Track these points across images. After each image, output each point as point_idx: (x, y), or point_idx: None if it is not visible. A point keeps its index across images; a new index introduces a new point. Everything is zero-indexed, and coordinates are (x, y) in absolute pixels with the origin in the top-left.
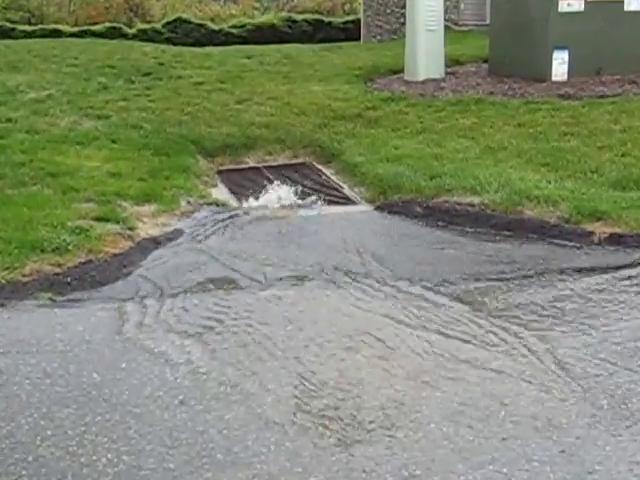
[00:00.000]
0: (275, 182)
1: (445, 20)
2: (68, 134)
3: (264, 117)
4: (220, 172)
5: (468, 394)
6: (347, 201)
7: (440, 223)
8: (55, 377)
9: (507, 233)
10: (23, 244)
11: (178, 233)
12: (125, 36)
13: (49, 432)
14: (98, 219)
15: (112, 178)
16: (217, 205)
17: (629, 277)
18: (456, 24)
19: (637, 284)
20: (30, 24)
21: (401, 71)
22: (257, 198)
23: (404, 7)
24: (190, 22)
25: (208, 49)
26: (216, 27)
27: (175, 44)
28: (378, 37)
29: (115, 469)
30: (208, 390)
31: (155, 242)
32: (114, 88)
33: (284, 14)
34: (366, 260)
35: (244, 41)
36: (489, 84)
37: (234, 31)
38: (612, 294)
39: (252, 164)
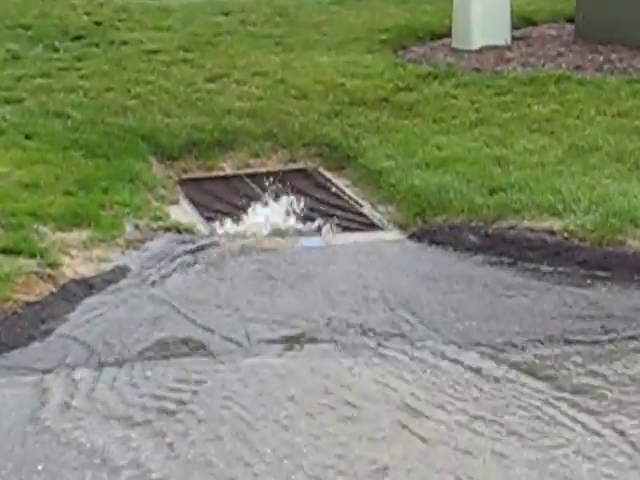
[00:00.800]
0: (263, 198)
1: None
2: None
3: (248, 102)
4: (183, 183)
5: None
6: (368, 226)
7: (504, 259)
8: None
9: (602, 274)
10: None
11: (121, 272)
12: None
13: None
14: (4, 251)
15: (25, 191)
16: (179, 231)
17: None
18: None
19: None
20: None
21: (448, 35)
22: (237, 221)
23: None
24: None
25: (166, 1)
26: None
27: None
28: None
29: None
30: None
31: (87, 286)
32: (29, 58)
33: None
34: (397, 313)
35: None
36: (576, 54)
37: None
38: None
39: (230, 171)
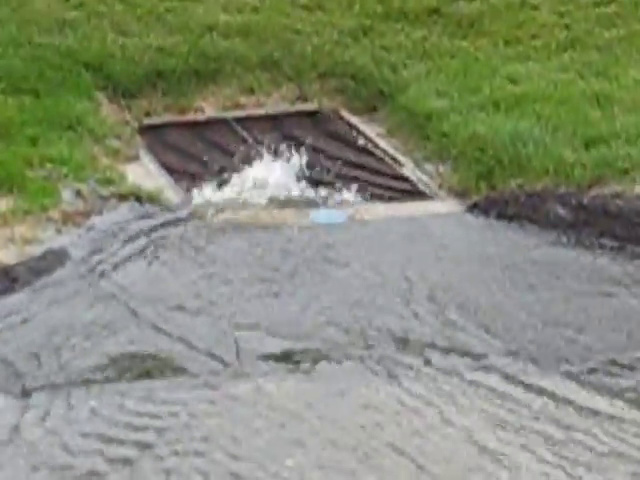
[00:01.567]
0: (259, 152)
1: None
2: None
3: (237, 15)
4: (145, 130)
5: None
6: (410, 193)
7: (606, 241)
8: None
9: None
10: None
11: (56, 259)
12: None
13: None
14: None
15: None
16: (139, 200)
17: None
18: None
19: None
20: None
21: None
22: (222, 186)
23: None
24: None
25: None
26: None
27: None
28: None
29: None
30: None
31: (8, 277)
32: None
33: None
34: (450, 319)
35: None
36: None
37: None
38: None
39: (212, 114)
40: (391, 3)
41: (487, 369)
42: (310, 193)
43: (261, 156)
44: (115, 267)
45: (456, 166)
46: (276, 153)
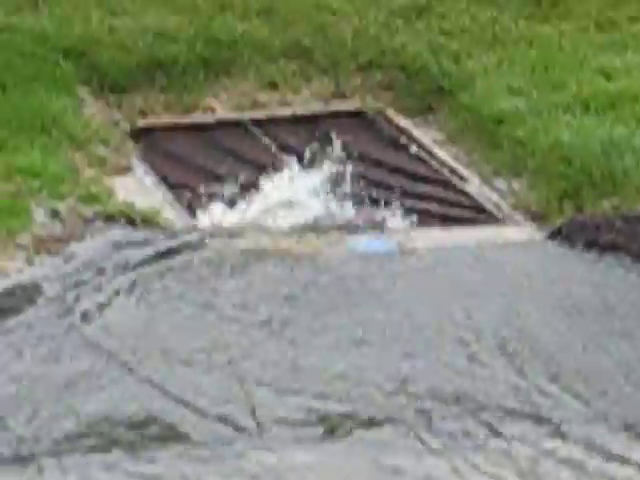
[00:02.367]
0: (283, 161)
1: None
2: None
3: None
4: (140, 134)
5: None
6: (477, 215)
7: None
8: None
9: None
10: None
11: (26, 295)
12: None
13: None
14: None
15: None
16: (130, 222)
17: None
18: None
19: None
20: None
21: None
22: (235, 204)
23: None
24: None
25: None
26: None
27: None
28: None
29: None
30: None
31: None
32: None
33: None
34: (526, 378)
35: None
36: None
37: None
38: None
39: (224, 114)
40: None
41: (569, 439)
42: (348, 215)
43: (286, 168)
44: (100, 307)
45: (534, 182)
46: (305, 164)
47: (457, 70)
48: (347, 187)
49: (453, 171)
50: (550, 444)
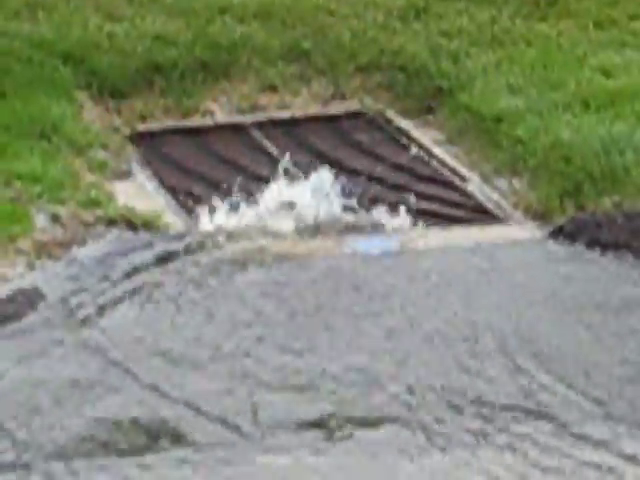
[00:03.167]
0: (284, 164)
1: None
2: None
3: None
4: (140, 139)
5: None
6: (477, 215)
7: None
8: None
9: None
10: None
11: (27, 301)
12: None
13: None
14: None
15: None
16: (131, 226)
17: None
18: None
19: None
20: None
21: None
22: (236, 207)
23: None
24: None
25: None
26: None
27: None
28: None
29: None
30: None
31: None
32: None
33: None
34: (529, 375)
35: None
36: None
37: None
38: None
39: (223, 118)
40: None
41: (576, 437)
42: (349, 216)
43: (286, 170)
44: (101, 311)
45: (534, 181)
46: (305, 167)
47: (456, 70)
48: (347, 188)
49: (453, 171)
50: (556, 442)
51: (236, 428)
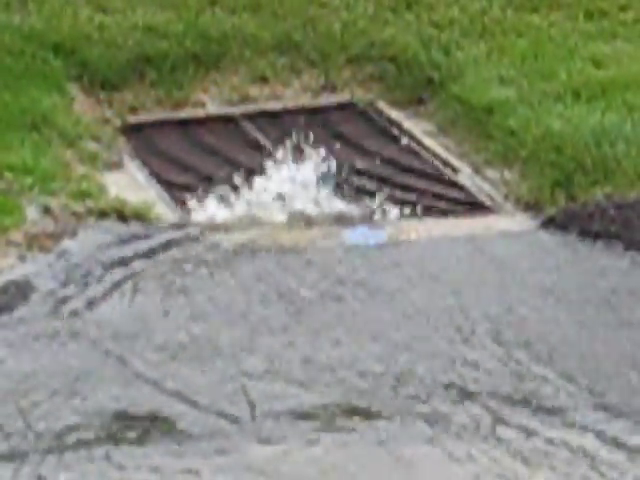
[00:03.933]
0: (275, 155)
1: None
2: None
3: None
4: (131, 130)
5: None
6: (468, 206)
7: None
8: None
9: None
10: None
11: (19, 293)
12: None
13: None
14: None
15: None
16: (122, 217)
17: None
18: None
19: None
20: None
21: None
22: (228, 199)
23: None
24: None
25: None
26: None
27: None
28: None
29: None
30: None
31: None
32: None
33: None
34: (521, 363)
35: None
36: None
37: None
38: None
39: (214, 109)
40: None
41: (570, 426)
42: (341, 207)
43: (278, 162)
44: (92, 303)
45: (526, 172)
46: (296, 158)
47: (447, 61)
48: (339, 179)
49: (444, 162)
50: (553, 433)
51: (230, 418)
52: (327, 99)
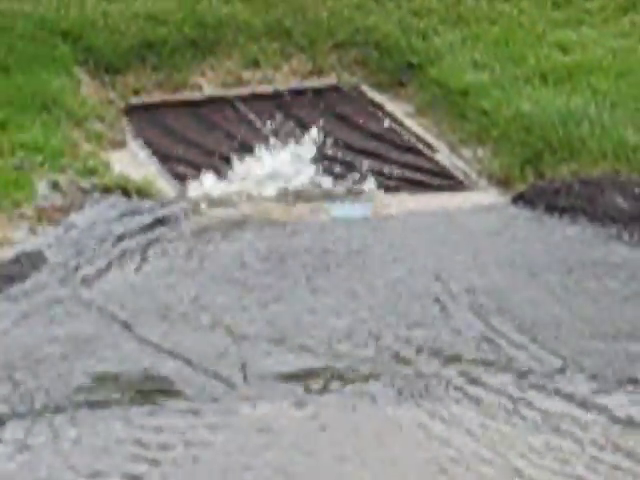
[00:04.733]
0: (266, 135)
1: None
2: None
3: None
4: (133, 111)
5: None
6: (445, 182)
7: None
8: None
9: None
10: None
11: (30, 263)
12: None
13: None
14: None
15: None
16: (126, 193)
17: None
18: None
19: None
20: None
21: None
22: (223, 176)
23: None
24: None
25: None
26: None
27: None
28: None
29: None
30: None
31: None
32: None
33: None
34: (494, 328)
35: None
36: None
37: None
38: None
39: (211, 91)
40: None
41: (539, 387)
42: (327, 184)
43: (269, 141)
44: (99, 272)
45: (498, 150)
46: (286, 137)
47: (425, 47)
48: (327, 158)
49: (423, 141)
50: (523, 394)
51: (225, 381)
52: (315, 82)
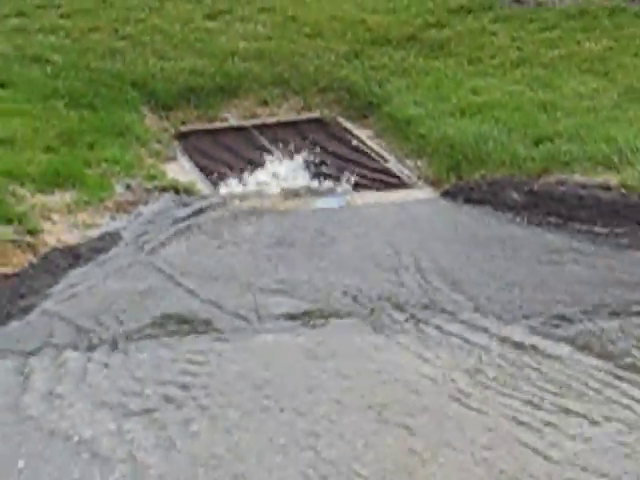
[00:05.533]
0: (274, 152)
1: None
2: None
3: (254, 42)
4: (181, 136)
5: None
6: (395, 183)
7: (552, 219)
8: None
9: None
10: None
11: (111, 239)
12: None
13: None
14: None
15: (0, 147)
16: (177, 192)
17: None
18: None
19: None
20: None
21: None
22: (244, 180)
23: None
24: None
25: None
26: None
27: None
28: None
29: None
30: None
31: (73, 255)
32: None
33: None
34: (432, 284)
35: None
36: None
37: None
38: None
39: (234, 122)
40: (377, 31)
41: (462, 323)
42: (315, 184)
43: (275, 155)
44: (158, 246)
45: (431, 161)
46: (287, 153)
47: (381, 91)
48: (314, 167)
49: (380, 155)
50: (449, 327)
51: (244, 319)
52: (305, 115)
